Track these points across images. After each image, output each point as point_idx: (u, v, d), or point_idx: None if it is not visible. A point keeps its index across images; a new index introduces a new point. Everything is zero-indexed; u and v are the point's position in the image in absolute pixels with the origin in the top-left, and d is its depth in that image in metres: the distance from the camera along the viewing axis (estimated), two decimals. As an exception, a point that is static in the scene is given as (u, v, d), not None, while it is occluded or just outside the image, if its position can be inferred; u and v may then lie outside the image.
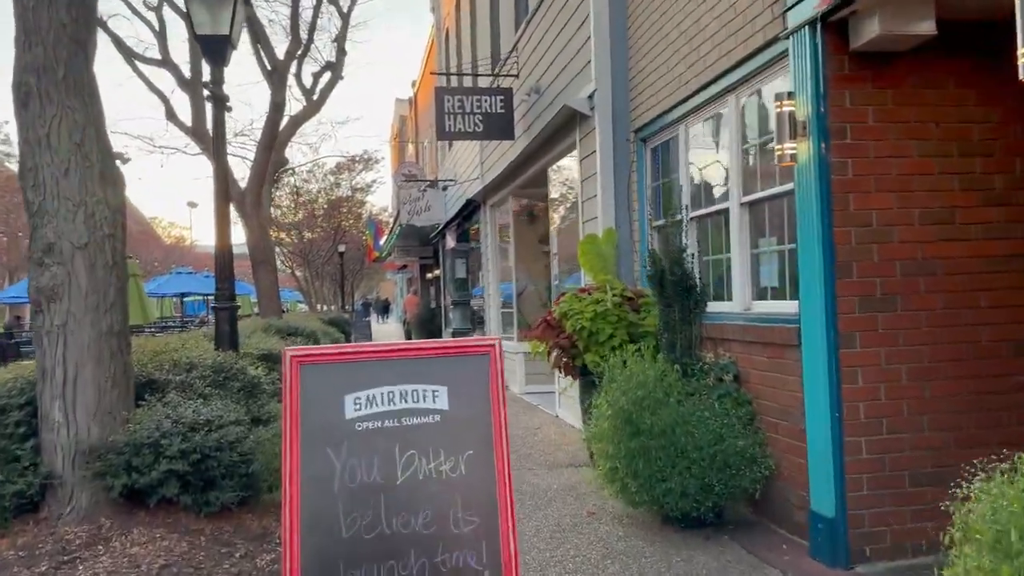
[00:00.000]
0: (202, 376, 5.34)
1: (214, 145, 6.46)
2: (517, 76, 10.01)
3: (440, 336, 22.72)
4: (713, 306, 5.34)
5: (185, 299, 28.46)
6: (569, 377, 6.39)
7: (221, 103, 6.31)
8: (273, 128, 12.72)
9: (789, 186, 4.48)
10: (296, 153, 39.99)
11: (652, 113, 6.41)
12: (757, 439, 4.59)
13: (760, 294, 5.08)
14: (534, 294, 11.96)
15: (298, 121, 14.12)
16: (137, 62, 13.11)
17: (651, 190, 6.75)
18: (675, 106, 5.96)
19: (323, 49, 39.41)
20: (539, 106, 8.94)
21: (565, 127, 7.95)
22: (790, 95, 4.15)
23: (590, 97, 7.06)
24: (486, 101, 9.81)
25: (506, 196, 11.64)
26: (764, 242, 5.04)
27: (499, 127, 9.79)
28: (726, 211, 5.37)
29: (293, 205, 27.18)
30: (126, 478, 4.46)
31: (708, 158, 5.80)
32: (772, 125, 4.48)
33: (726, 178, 5.41)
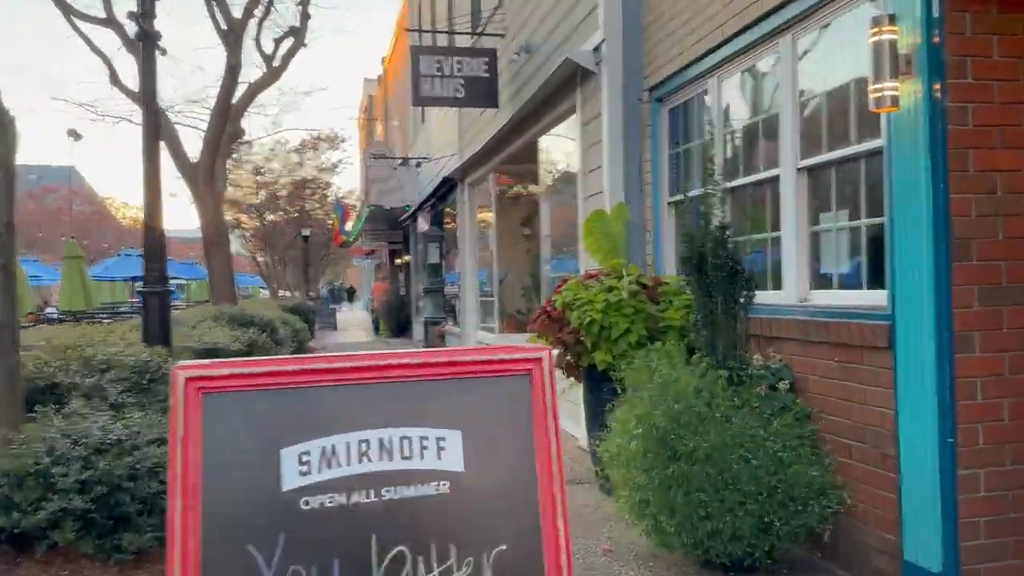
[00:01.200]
0: (119, 379, 4.24)
1: (142, 90, 5.30)
2: (503, 35, 8.94)
3: (410, 326, 21.60)
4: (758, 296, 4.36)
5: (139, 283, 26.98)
6: (571, 379, 5.38)
7: (152, 41, 5.15)
8: (227, 94, 11.48)
9: (874, 143, 3.51)
10: (256, 127, 38.32)
11: (672, 67, 5.39)
12: (826, 466, 3.63)
13: (821, 282, 4.12)
14: (516, 282, 10.94)
15: (256, 89, 12.87)
16: (76, 20, 11.71)
17: (668, 159, 5.75)
18: (704, 55, 4.95)
19: (286, 14, 37.68)
20: (530, 67, 7.89)
21: (563, 88, 6.91)
22: (892, 18, 3.16)
23: (596, 50, 6.02)
24: (467, 64, 8.72)
25: (487, 173, 10.58)
26: (827, 217, 4.07)
27: (482, 93, 8.72)
28: (772, 180, 4.39)
29: (253, 185, 25.70)
30: (3, 519, 3.36)
31: (746, 116, 4.82)
32: (839, 76, 3.49)
33: (773, 140, 4.43)
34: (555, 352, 5.23)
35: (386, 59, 26.45)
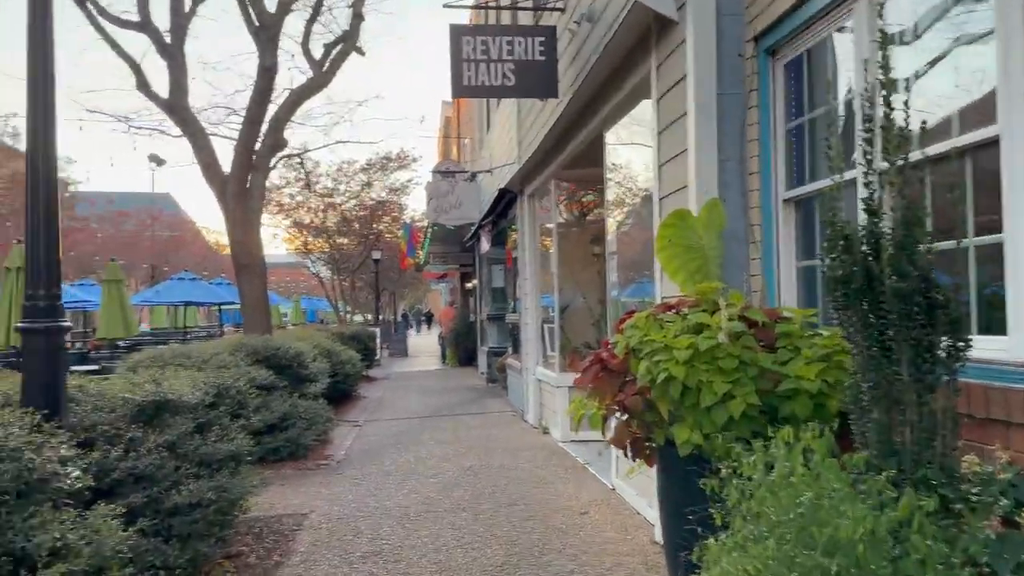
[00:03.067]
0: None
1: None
2: (562, 9, 7.31)
3: (476, 354, 20.08)
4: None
5: (222, 308, 26.43)
6: (639, 461, 3.62)
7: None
8: (261, 99, 10.28)
9: None
10: (309, 140, 37.82)
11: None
12: None
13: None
14: (583, 309, 9.21)
15: (299, 96, 11.66)
16: (104, 23, 10.79)
17: (784, 136, 3.96)
18: (848, -33, 3.18)
19: (340, 17, 36.79)
20: (594, 40, 6.22)
21: (634, 53, 5.23)
22: None
23: (676, -10, 4.31)
24: (520, 44, 7.13)
25: (547, 180, 8.93)
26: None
27: (537, 79, 7.10)
28: (983, 148, 2.57)
29: (322, 205, 24.85)
30: None
31: (924, 55, 3.01)
32: None
33: (978, 86, 2.61)
34: (614, 422, 3.50)
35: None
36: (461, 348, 21.20)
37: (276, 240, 65.13)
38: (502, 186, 10.39)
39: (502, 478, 6.73)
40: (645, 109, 5.55)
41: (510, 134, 10.86)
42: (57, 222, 3.49)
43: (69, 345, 18.74)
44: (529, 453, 7.88)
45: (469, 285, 24.39)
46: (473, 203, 13.97)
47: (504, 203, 11.22)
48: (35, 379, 3.40)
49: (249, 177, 10.91)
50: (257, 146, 11.23)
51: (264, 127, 11.12)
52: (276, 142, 11.38)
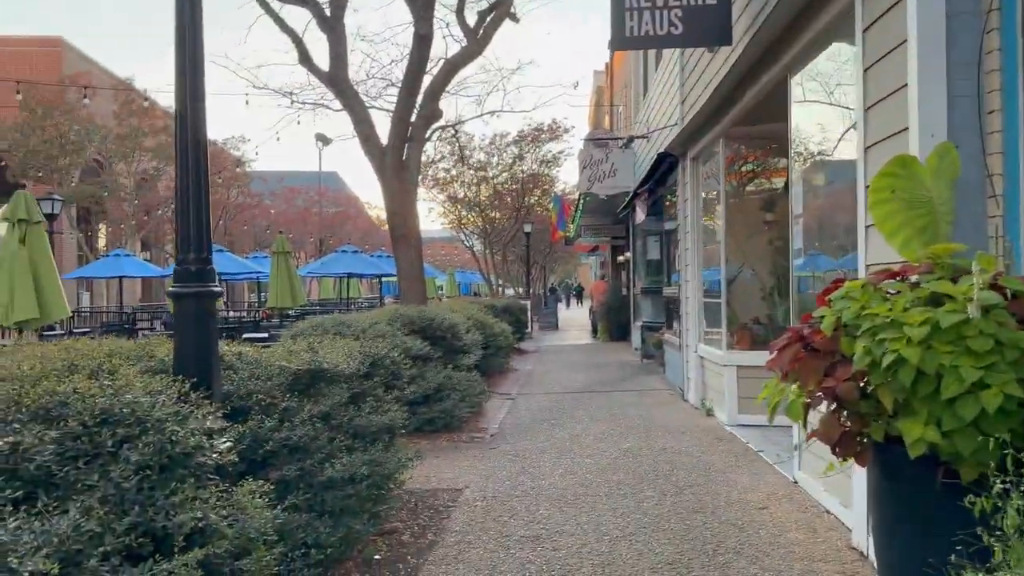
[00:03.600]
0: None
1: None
2: (737, -54, 6.55)
3: (629, 329, 19.48)
4: None
5: (383, 280, 27.48)
6: (847, 459, 3.02)
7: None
8: (416, 68, 10.20)
9: None
10: (463, 111, 38.15)
11: None
12: None
13: None
14: (751, 282, 8.43)
15: (454, 65, 11.52)
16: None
17: (1043, 61, 3.15)
18: None
19: None
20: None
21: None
22: None
23: None
24: (688, -13, 6.48)
25: (715, 140, 8.20)
26: None
27: (708, 25, 6.42)
28: None
29: (475, 181, 25.03)
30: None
31: None
32: None
33: None
34: (820, 412, 2.92)
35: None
36: (613, 323, 20.68)
37: (432, 215, 67.18)
38: (661, 150, 9.72)
39: (665, 462, 6.24)
40: (839, 51, 4.79)
41: (671, 93, 10.15)
42: (206, 184, 3.36)
43: (244, 314, 20.02)
44: (692, 436, 7.31)
45: (621, 258, 23.74)
46: (628, 171, 13.34)
47: (662, 169, 10.54)
48: (185, 346, 3.31)
49: (406, 148, 10.92)
50: (413, 118, 11.23)
51: (419, 98, 11.07)
52: (432, 113, 11.32)
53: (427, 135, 11.62)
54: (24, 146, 20.56)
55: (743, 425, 7.50)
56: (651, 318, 14.90)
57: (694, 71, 8.34)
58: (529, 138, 24.30)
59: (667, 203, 11.60)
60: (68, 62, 23.50)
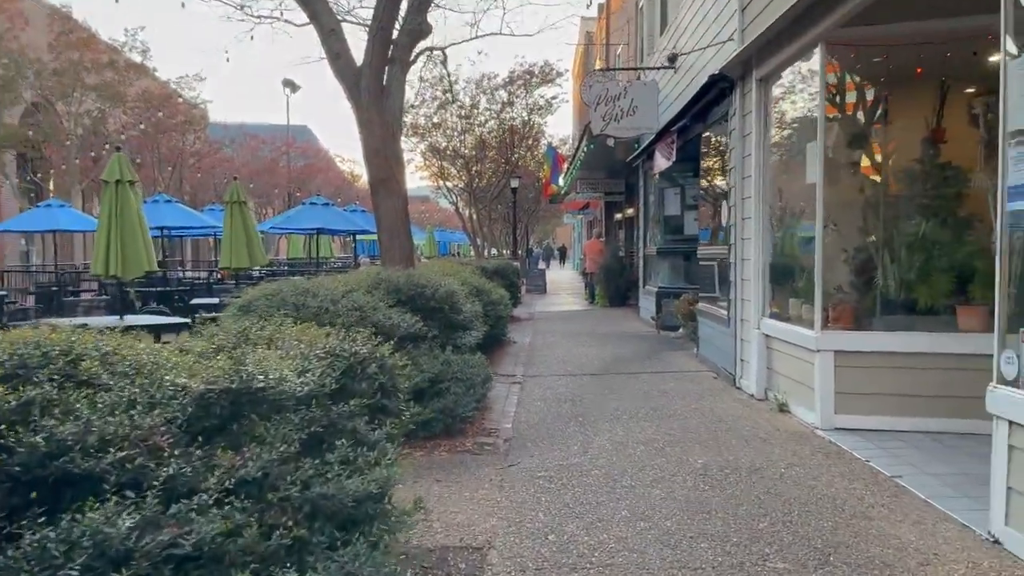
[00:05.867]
0: None
1: None
2: None
3: (630, 295, 17.59)
4: None
5: (358, 238, 25.11)
6: None
7: None
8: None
9: None
10: (453, 33, 35.32)
11: None
12: None
13: None
14: (833, 241, 6.48)
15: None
16: None
17: None
18: None
19: None
20: None
21: None
22: None
23: None
24: None
25: (806, 51, 6.16)
26: None
27: None
28: None
29: (460, 128, 22.67)
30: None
31: None
32: None
33: None
34: None
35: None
36: (612, 286, 18.77)
37: (409, 167, 64.52)
38: (716, 72, 7.66)
39: (770, 497, 4.35)
40: None
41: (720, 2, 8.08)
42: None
43: (200, 276, 17.62)
44: (780, 447, 5.43)
45: (620, 215, 21.75)
46: (651, 109, 11.27)
47: (708, 99, 8.50)
48: None
49: (387, 71, 8.76)
50: (396, 34, 9.04)
51: (403, 7, 8.87)
52: (419, 28, 9.12)
53: (412, 57, 9.42)
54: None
55: (844, 430, 5.64)
56: (668, 282, 12.99)
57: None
58: (520, 81, 21.99)
59: (709, 143, 9.57)
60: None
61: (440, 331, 6.72)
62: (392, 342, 3.37)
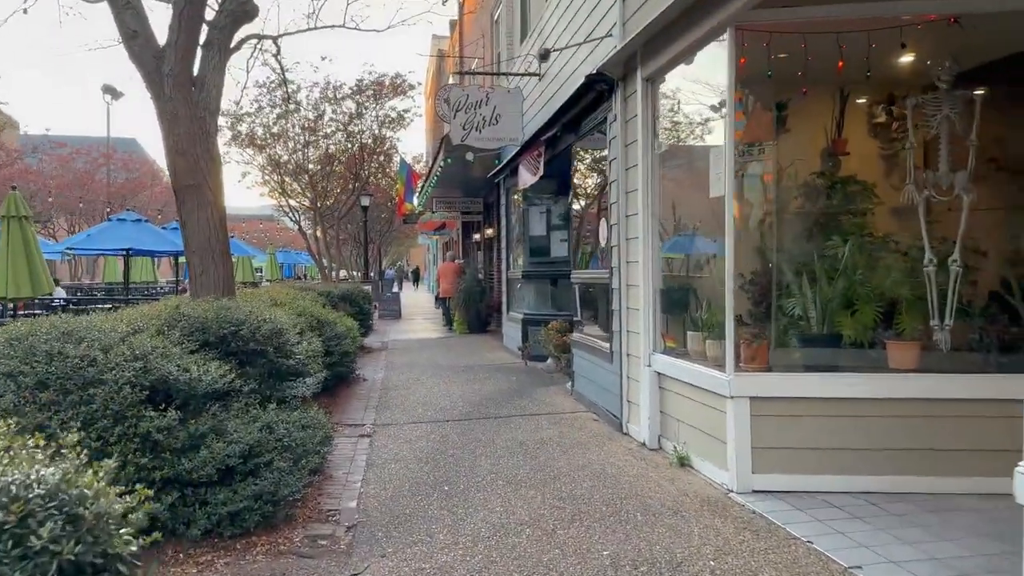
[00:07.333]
0: None
1: None
2: None
3: (497, 322, 16.48)
4: None
5: (181, 259, 22.41)
6: None
7: None
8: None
9: None
10: (284, 21, 33.32)
11: None
12: None
13: None
14: (754, 264, 5.58)
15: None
16: None
17: None
18: None
19: None
20: None
21: None
22: None
23: None
24: None
25: (711, 36, 5.21)
26: None
27: None
28: None
29: (303, 137, 20.68)
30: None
31: None
32: None
33: None
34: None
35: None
36: (472, 312, 17.59)
37: (246, 181, 60.06)
38: (594, 71, 6.65)
39: (709, 612, 3.20)
40: None
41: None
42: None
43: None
44: (698, 522, 4.35)
45: (479, 236, 20.66)
46: (515, 118, 10.21)
47: (583, 104, 7.50)
48: None
49: (199, 55, 7.10)
50: (214, 16, 7.42)
51: (221, -20, 7.27)
52: (241, 8, 7.52)
53: (235, 44, 7.78)
54: None
55: (764, 492, 4.66)
56: (534, 309, 11.95)
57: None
58: (369, 91, 20.42)
59: (582, 155, 8.59)
60: None
61: (262, 382, 5.19)
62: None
